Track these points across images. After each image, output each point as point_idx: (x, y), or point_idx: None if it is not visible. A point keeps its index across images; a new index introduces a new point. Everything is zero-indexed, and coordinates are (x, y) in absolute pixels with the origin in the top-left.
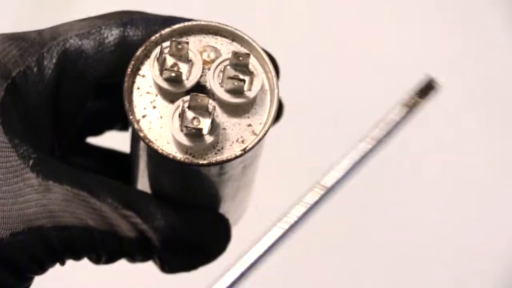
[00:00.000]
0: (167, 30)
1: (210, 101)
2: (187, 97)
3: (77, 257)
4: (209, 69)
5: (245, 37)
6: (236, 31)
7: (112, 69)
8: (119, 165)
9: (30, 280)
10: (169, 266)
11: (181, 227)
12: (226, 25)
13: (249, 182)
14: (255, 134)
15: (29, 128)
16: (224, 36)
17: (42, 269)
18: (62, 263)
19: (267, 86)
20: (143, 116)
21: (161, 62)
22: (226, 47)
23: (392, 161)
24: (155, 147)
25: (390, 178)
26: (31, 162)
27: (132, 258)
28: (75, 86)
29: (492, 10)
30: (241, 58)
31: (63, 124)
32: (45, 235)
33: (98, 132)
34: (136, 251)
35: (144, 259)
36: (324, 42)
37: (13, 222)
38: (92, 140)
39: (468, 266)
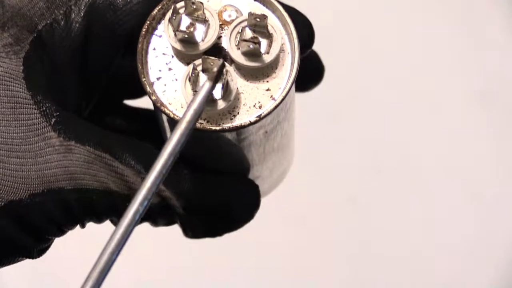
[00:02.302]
0: None
1: (224, 64)
2: (199, 61)
3: (98, 220)
4: None
5: None
6: None
7: (141, 22)
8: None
9: (48, 241)
10: (192, 232)
11: (205, 193)
12: None
13: (278, 146)
14: (273, 99)
15: (54, 84)
16: None
17: (61, 231)
18: (82, 226)
19: (288, 49)
20: (158, 78)
21: (176, 22)
22: (248, 7)
23: (393, 162)
24: (167, 111)
25: (391, 179)
26: (53, 120)
27: (155, 223)
28: (103, 40)
29: (492, 10)
30: (258, 20)
31: (91, 81)
32: (65, 197)
33: (135, 94)
34: (159, 216)
35: (167, 223)
36: (324, 40)
37: (32, 183)
38: (133, 102)
39: (468, 265)
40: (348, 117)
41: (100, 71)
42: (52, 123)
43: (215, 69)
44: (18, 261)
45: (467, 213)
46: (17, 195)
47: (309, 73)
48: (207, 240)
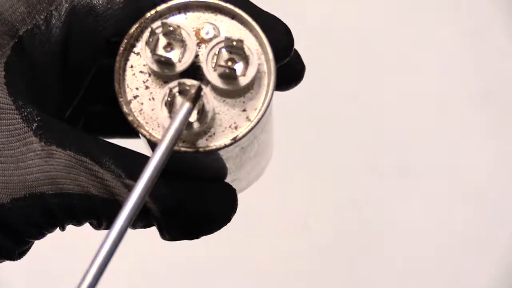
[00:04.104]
0: (163, 7)
1: (201, 87)
2: (175, 83)
3: (78, 223)
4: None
5: (245, 16)
6: (235, 9)
7: (121, 27)
8: None
9: (28, 244)
10: (169, 234)
11: (181, 197)
12: (226, 3)
13: (255, 154)
14: (249, 120)
15: (35, 89)
16: (224, 14)
17: (41, 234)
18: (63, 229)
19: (265, 69)
20: (135, 97)
21: (153, 43)
22: (226, 24)
23: (393, 163)
24: (143, 132)
25: (391, 180)
26: (34, 125)
27: (133, 225)
28: (84, 45)
29: (493, 11)
30: (234, 43)
31: (72, 85)
32: (46, 201)
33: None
34: (137, 219)
35: (145, 226)
36: (324, 42)
37: (14, 188)
38: None
39: (468, 266)
40: (348, 118)
41: (80, 75)
42: (33, 128)
43: (192, 91)
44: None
45: (467, 213)
46: None
47: (288, 74)
48: (202, 242)
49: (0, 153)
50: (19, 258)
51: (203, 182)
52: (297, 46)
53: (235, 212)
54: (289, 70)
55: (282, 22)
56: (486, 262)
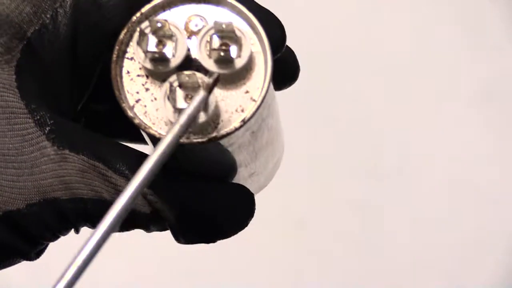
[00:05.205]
0: (148, 7)
1: (200, 76)
2: (174, 77)
3: (92, 225)
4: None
5: (229, 0)
6: None
7: (125, 17)
8: None
9: (43, 245)
10: (185, 238)
11: (198, 204)
12: None
13: (267, 142)
14: (253, 100)
15: (46, 89)
16: (209, 3)
17: (55, 237)
18: (77, 231)
19: (260, 48)
20: (137, 101)
21: (144, 43)
22: (213, 13)
23: (393, 163)
24: (153, 132)
25: (390, 180)
26: (47, 129)
27: (147, 229)
28: (90, 40)
29: (492, 10)
30: (223, 26)
31: (81, 80)
32: (60, 206)
33: None
34: (151, 223)
35: (160, 229)
36: (324, 42)
37: (29, 193)
38: None
39: (468, 266)
40: (347, 118)
41: (89, 71)
42: (46, 132)
43: (210, 80)
44: (18, 262)
45: (467, 213)
46: (14, 205)
47: (283, 73)
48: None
49: (15, 159)
50: (37, 258)
51: (219, 184)
52: (296, 46)
53: (253, 216)
54: (284, 69)
55: (275, 16)
56: (486, 262)
